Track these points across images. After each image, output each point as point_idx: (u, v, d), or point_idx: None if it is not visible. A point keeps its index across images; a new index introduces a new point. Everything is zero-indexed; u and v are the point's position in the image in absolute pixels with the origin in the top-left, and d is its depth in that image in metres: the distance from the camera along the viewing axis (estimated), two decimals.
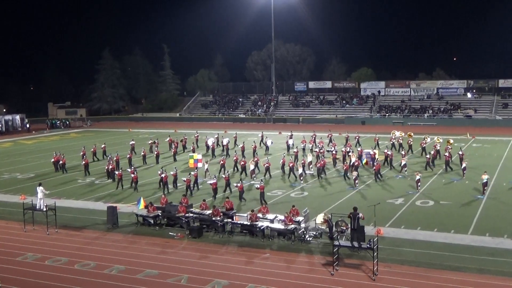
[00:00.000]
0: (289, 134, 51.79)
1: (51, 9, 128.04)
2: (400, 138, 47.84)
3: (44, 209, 25.16)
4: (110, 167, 37.49)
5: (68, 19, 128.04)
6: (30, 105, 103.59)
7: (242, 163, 37.61)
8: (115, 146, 54.53)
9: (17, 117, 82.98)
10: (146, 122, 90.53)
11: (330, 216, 22.99)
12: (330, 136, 52.31)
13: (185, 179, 31.98)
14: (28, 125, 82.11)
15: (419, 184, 31.59)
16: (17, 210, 27.61)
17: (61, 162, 41.41)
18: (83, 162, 40.11)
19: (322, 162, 37.09)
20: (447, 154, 38.19)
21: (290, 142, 48.90)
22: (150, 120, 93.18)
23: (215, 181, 31.47)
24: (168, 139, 51.52)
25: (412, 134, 49.10)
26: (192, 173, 33.18)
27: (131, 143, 49.33)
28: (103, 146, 48.90)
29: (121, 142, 59.10)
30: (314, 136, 50.95)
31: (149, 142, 51.14)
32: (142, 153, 44.51)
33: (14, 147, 59.88)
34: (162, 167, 36.59)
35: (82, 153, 43.57)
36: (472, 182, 33.51)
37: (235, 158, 40.07)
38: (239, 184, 30.03)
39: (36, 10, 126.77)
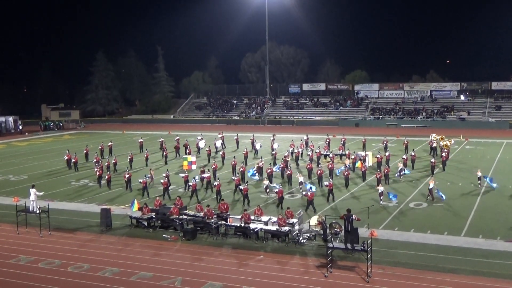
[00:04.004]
0: (305, 137, 50.04)
1: (44, 10, 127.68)
2: (435, 140, 46.58)
3: (37, 211, 25.06)
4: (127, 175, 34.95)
5: (62, 20, 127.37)
6: (23, 107, 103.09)
7: (269, 171, 35.23)
8: (120, 146, 54.16)
9: (10, 118, 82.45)
10: (140, 124, 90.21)
11: (324, 218, 23.02)
12: (344, 140, 50.29)
13: (141, 180, 32.44)
14: (21, 127, 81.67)
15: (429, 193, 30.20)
16: (10, 212, 27.50)
17: (73, 160, 42.24)
18: (95, 160, 40.76)
19: (348, 171, 34.96)
20: (444, 154, 40.02)
21: (275, 146, 48.50)
22: (143, 122, 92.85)
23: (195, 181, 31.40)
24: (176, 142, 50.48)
25: (444, 137, 47.00)
26: (162, 181, 31.80)
27: (139, 140, 51.99)
28: (109, 144, 50.28)
29: (126, 142, 59.04)
30: (328, 140, 49.62)
31: (139, 140, 52.18)
32: (145, 155, 44.48)
33: (7, 149, 59.58)
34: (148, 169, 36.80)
35: (85, 151, 46.15)
36: (466, 184, 33.67)
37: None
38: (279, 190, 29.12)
39: (30, 11, 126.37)
